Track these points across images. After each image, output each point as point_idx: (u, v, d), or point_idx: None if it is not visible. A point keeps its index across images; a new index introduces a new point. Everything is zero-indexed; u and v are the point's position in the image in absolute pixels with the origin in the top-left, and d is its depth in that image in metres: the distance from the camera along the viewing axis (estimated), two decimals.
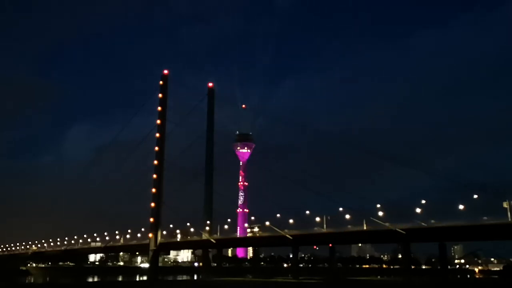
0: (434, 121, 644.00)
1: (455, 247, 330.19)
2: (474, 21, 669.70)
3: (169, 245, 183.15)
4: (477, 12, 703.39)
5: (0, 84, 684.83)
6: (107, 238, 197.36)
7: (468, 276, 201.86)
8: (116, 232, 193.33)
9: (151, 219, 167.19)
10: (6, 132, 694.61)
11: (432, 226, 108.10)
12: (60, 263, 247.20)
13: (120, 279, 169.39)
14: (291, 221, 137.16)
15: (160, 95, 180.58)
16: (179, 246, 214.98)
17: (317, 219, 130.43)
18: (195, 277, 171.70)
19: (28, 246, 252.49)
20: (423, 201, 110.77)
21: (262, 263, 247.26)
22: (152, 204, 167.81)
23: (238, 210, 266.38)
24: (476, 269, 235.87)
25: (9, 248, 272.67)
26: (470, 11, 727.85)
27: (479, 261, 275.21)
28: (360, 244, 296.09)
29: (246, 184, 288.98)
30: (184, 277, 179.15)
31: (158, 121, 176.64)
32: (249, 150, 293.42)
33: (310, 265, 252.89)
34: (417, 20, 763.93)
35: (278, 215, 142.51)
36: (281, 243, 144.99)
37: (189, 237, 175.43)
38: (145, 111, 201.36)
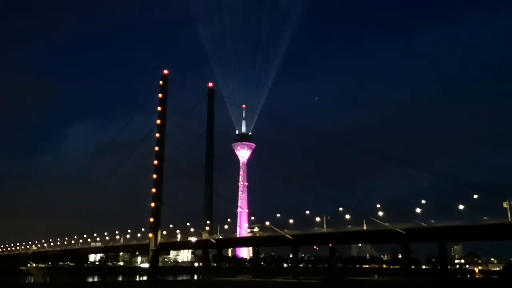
0: (434, 121, 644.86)
1: (455, 247, 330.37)
2: (475, 22, 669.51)
3: (169, 245, 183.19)
4: (478, 12, 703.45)
5: (0, 83, 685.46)
6: (107, 238, 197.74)
7: (468, 276, 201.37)
8: (116, 232, 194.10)
9: (151, 219, 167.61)
10: (5, 132, 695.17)
11: (432, 226, 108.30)
12: (60, 263, 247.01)
13: (120, 279, 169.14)
14: (291, 221, 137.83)
15: (160, 95, 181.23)
16: (179, 246, 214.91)
17: (317, 219, 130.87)
18: (195, 277, 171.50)
19: (28, 246, 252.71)
20: (423, 201, 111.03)
21: (262, 263, 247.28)
22: (152, 204, 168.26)
23: (238, 210, 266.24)
24: (476, 269, 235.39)
25: (9, 248, 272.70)
26: (470, 11, 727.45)
27: (479, 261, 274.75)
28: (360, 244, 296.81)
29: (246, 184, 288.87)
30: (184, 277, 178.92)
31: (158, 121, 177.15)
32: (249, 150, 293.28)
33: (310, 265, 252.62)
34: (418, 21, 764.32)
35: (278, 215, 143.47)
36: (281, 243, 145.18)
37: (189, 237, 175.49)
38: (145, 111, 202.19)
